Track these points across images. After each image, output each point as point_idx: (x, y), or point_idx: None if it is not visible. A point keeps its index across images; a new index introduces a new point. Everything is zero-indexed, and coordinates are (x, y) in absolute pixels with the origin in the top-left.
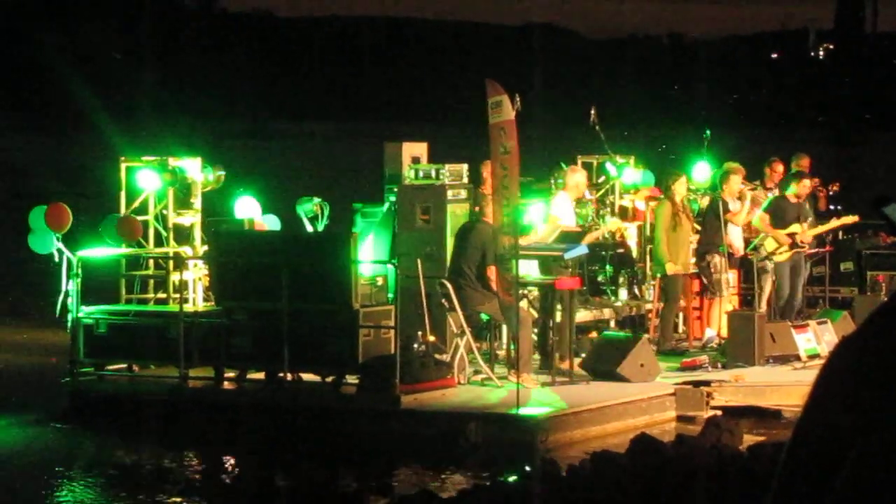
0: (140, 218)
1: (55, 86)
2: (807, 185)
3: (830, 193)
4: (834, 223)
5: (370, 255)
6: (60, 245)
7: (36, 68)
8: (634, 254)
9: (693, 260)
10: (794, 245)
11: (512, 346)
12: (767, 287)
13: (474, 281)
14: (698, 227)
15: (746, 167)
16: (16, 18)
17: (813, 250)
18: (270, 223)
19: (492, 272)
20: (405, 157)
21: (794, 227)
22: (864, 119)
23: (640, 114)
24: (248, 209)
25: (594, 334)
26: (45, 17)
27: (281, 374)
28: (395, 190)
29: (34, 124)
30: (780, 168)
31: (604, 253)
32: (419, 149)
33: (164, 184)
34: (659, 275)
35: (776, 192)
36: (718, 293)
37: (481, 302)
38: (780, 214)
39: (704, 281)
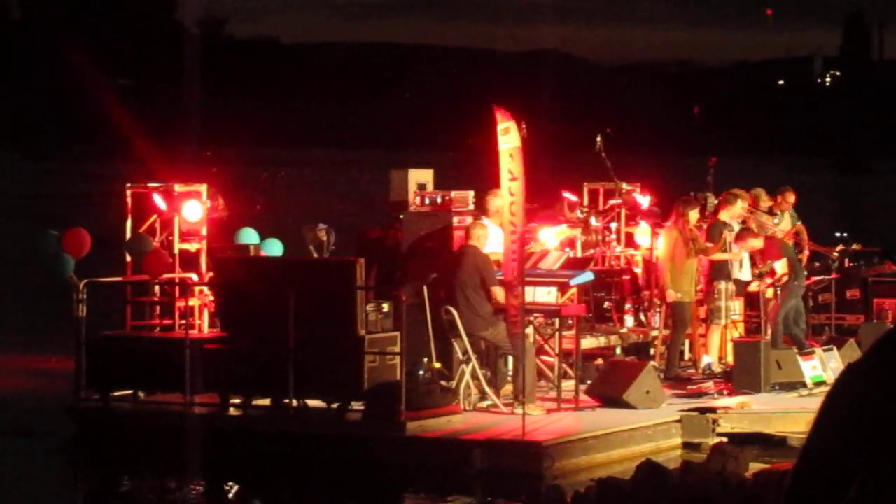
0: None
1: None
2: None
3: None
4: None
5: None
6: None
7: (35, 96)
8: (640, 280)
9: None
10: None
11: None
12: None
13: (478, 306)
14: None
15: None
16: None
17: (818, 277)
18: (274, 249)
19: (499, 297)
20: (411, 183)
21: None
22: (867, 146)
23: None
24: (250, 237)
25: (600, 361)
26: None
27: (286, 401)
28: (402, 217)
29: (33, 151)
30: (791, 197)
31: (609, 280)
32: (425, 175)
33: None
34: (669, 301)
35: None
36: (717, 320)
37: (485, 328)
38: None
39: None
